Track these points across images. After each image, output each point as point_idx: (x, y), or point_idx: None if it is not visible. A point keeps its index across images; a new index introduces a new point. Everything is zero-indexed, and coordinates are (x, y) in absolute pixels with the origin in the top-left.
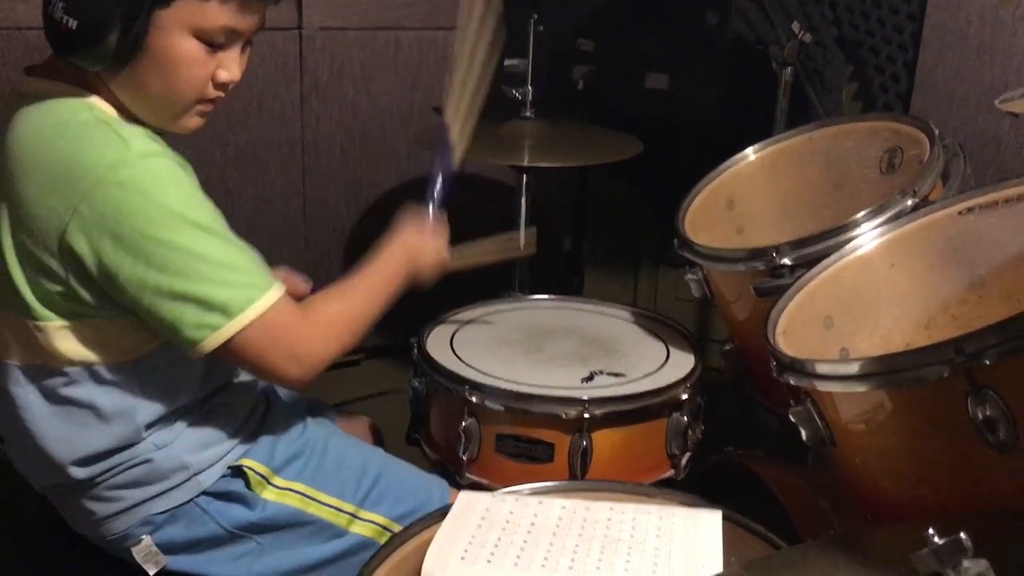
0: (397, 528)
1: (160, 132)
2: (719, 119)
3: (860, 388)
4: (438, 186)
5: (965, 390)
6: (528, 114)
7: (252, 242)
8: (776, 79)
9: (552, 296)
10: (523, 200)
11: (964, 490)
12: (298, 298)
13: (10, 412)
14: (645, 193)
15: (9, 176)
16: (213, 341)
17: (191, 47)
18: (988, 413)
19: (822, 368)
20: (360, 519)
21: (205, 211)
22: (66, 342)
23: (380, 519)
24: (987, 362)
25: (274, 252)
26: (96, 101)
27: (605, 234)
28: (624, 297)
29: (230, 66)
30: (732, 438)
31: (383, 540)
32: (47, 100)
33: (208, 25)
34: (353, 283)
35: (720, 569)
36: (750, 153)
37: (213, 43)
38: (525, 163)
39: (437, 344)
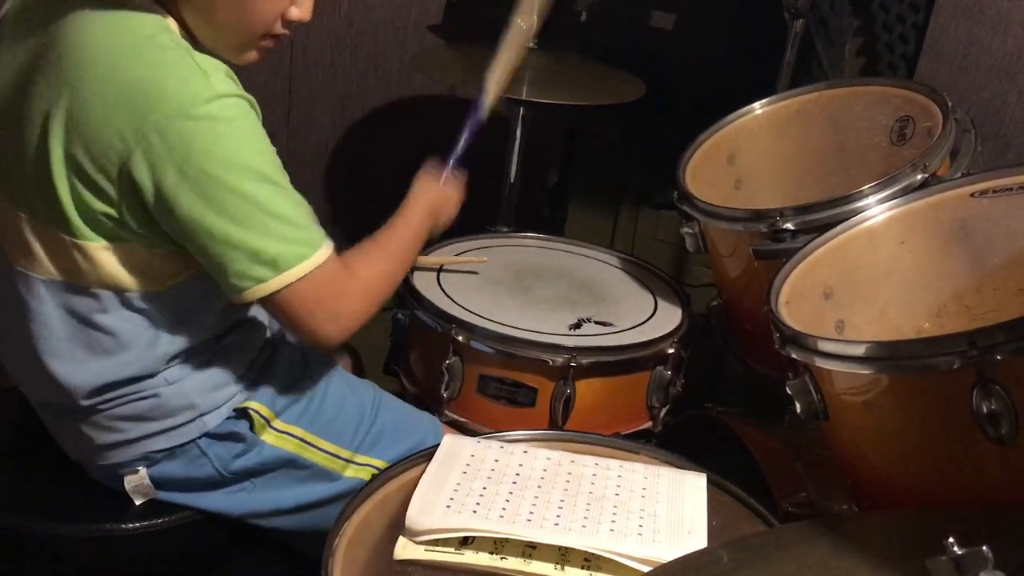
0: None
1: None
2: (722, 65)
3: (865, 370)
4: (461, 146)
5: (972, 383)
6: (530, 45)
7: None
8: (785, 29)
9: (540, 235)
10: (518, 132)
11: (955, 478)
12: None
13: (23, 324)
14: (638, 132)
15: (69, 84)
16: (257, 292)
17: None
18: (993, 407)
19: (826, 346)
20: (356, 463)
21: (271, 160)
22: (102, 264)
23: (376, 462)
24: (998, 357)
25: None
26: (169, 22)
27: (593, 171)
28: (604, 235)
29: (304, 3)
30: (707, 388)
31: None
32: (116, 12)
33: None
34: (388, 239)
35: (704, 534)
36: (756, 107)
37: None
38: (523, 97)
39: (424, 278)
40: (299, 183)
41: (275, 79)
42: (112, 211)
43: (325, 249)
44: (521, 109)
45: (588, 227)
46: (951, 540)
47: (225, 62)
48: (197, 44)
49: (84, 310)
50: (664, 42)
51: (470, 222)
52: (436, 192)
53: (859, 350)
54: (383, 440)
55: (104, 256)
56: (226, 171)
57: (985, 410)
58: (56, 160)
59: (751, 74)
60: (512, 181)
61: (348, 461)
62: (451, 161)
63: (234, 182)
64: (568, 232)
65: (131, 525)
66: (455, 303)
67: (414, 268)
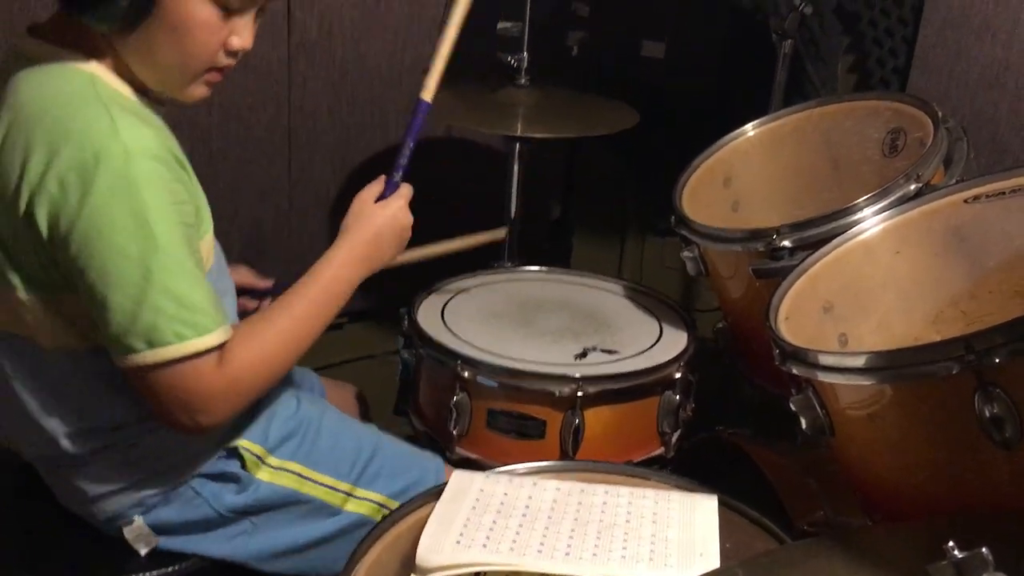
0: (395, 505)
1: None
2: (715, 90)
3: (865, 381)
4: (405, 158)
5: (973, 387)
6: (523, 82)
7: (236, 203)
8: (774, 51)
9: (542, 268)
10: (515, 168)
11: (963, 485)
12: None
13: (2, 382)
14: (636, 161)
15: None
16: (128, 361)
17: (205, 11)
18: (995, 411)
19: (826, 359)
20: (356, 497)
21: (171, 228)
22: (39, 317)
23: (377, 496)
24: (997, 360)
25: (258, 214)
26: (100, 71)
27: (593, 202)
28: (611, 265)
29: (243, 32)
30: (717, 411)
31: (380, 518)
32: (49, 66)
33: None
34: (295, 305)
35: (717, 556)
36: (749, 129)
37: (228, 7)
38: (519, 133)
39: (428, 316)
40: (303, 234)
41: (274, 131)
42: (30, 257)
43: (212, 337)
44: (517, 145)
45: (594, 259)
46: (951, 544)
47: (168, 102)
48: (139, 87)
49: (40, 364)
50: (656, 70)
51: (473, 259)
52: (372, 222)
53: (858, 361)
54: (383, 475)
55: (38, 309)
56: (116, 229)
57: (988, 414)
58: None
59: (744, 97)
60: (513, 217)
61: (348, 494)
62: (396, 174)
63: (122, 242)
64: (574, 265)
65: None
66: (459, 339)
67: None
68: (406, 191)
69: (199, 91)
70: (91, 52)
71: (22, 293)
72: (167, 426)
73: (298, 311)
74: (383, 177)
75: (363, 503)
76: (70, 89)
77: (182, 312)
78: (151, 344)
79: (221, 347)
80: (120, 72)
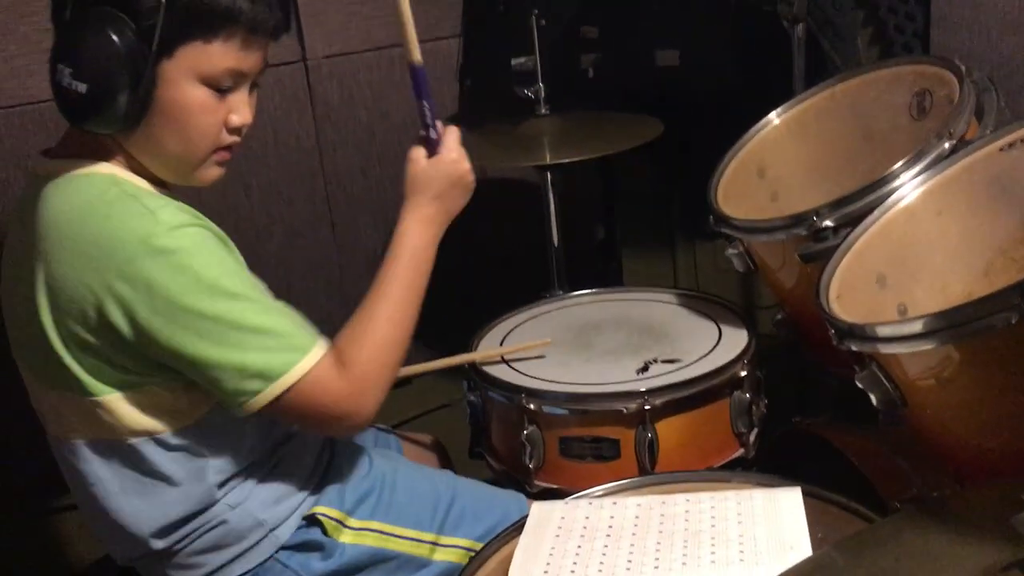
0: None
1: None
2: (736, 86)
3: (927, 346)
4: (430, 114)
5: None
6: (543, 111)
7: (287, 277)
8: (788, 38)
9: (593, 290)
10: (551, 197)
11: None
12: None
13: (85, 491)
14: (670, 170)
15: (41, 259)
16: (253, 405)
17: (200, 94)
18: None
19: (884, 331)
20: (442, 546)
21: (236, 277)
22: (125, 413)
23: (463, 542)
24: None
25: (310, 284)
26: (118, 171)
27: (636, 217)
28: (665, 277)
29: (240, 108)
30: (795, 407)
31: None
32: (70, 177)
33: (213, 69)
34: (386, 288)
35: (808, 548)
36: (774, 117)
37: (220, 87)
38: (548, 161)
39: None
40: (356, 296)
41: (313, 201)
42: (108, 361)
43: (315, 351)
44: (549, 174)
45: (646, 274)
46: None
47: (185, 191)
48: (154, 179)
49: (125, 460)
50: (674, 77)
51: (523, 294)
52: (429, 181)
53: (916, 327)
54: (466, 519)
55: (123, 406)
56: (191, 298)
57: None
58: (50, 330)
59: (767, 88)
60: (556, 245)
61: (434, 544)
62: (431, 130)
63: (201, 307)
64: (627, 283)
65: None
66: (521, 373)
67: (478, 364)
68: (452, 136)
69: (212, 173)
70: (103, 156)
71: (98, 395)
72: (335, 435)
73: (393, 293)
74: (422, 135)
75: (451, 551)
76: (97, 192)
77: (280, 341)
78: (268, 379)
79: (330, 354)
80: (134, 169)
